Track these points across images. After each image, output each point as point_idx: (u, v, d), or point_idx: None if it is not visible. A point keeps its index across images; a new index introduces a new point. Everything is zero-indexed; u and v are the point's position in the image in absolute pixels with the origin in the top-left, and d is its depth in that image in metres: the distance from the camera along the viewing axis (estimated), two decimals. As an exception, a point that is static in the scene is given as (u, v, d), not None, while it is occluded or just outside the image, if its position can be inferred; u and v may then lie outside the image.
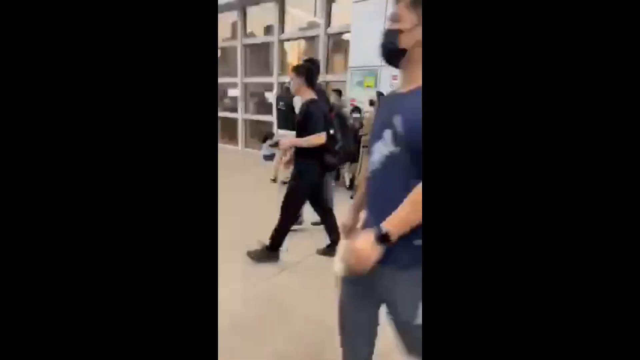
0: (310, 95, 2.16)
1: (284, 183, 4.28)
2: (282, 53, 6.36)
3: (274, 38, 6.30)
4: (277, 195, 3.75)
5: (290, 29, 6.21)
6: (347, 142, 2.34)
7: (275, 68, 6.32)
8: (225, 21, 7.22)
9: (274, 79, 6.37)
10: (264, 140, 2.66)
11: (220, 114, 7.62)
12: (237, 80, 7.03)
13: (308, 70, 2.14)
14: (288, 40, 6.24)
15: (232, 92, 7.87)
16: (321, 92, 2.46)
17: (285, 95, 4.10)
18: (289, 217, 2.32)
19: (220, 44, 7.55)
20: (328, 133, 2.14)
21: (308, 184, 2.28)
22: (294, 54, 6.40)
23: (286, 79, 5.10)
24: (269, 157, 2.91)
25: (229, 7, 6.73)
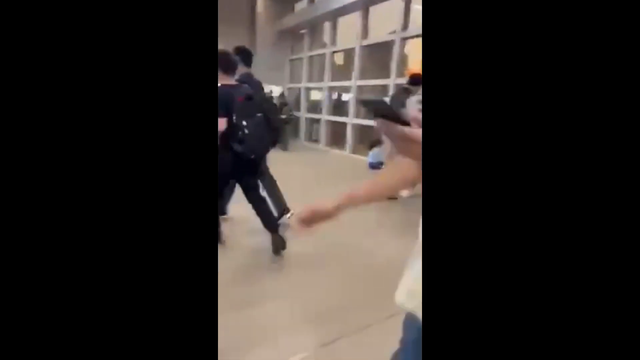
0: (224, 81, 2.25)
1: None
2: (405, 55, 5.77)
3: (396, 36, 5.76)
4: (380, 215, 3.19)
5: (414, 26, 5.60)
6: (258, 130, 2.21)
7: (395, 69, 5.76)
8: (349, 22, 7.01)
9: (390, 81, 5.81)
10: (371, 147, 2.47)
11: (330, 117, 7.47)
12: (351, 83, 6.69)
13: (224, 60, 2.29)
14: (412, 37, 5.62)
15: (345, 97, 7.64)
16: (247, 78, 2.60)
17: (397, 97, 3.50)
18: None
19: (344, 46, 7.39)
20: (230, 119, 2.16)
21: (222, 172, 2.27)
22: (418, 54, 5.75)
23: (404, 80, 4.50)
24: (376, 166, 2.63)
25: (352, 8, 6.49)
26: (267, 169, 2.83)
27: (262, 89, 2.91)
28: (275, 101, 6.16)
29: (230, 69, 2.35)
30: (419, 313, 0.59)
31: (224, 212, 2.74)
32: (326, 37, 8.02)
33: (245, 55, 2.73)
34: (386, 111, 0.45)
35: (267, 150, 2.41)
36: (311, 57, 8.25)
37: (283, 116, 6.69)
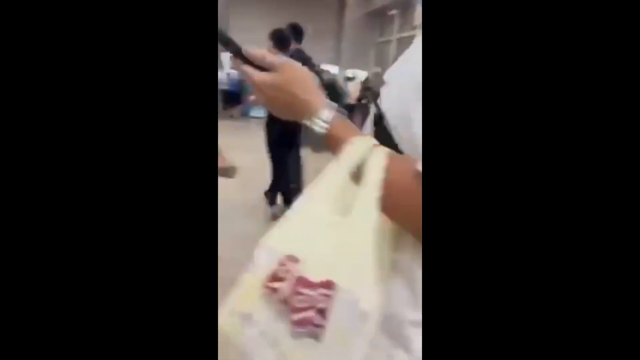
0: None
1: None
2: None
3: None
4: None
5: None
6: None
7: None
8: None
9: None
10: None
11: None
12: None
13: (275, 35, 2.60)
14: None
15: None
16: (298, 53, 2.81)
17: None
18: (272, 171, 2.94)
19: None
20: None
21: (268, 138, 2.77)
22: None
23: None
24: None
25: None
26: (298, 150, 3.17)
27: (313, 65, 3.21)
28: (358, 86, 6.04)
29: (283, 45, 2.60)
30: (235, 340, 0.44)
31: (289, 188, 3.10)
32: (418, 19, 7.55)
33: (297, 32, 2.95)
34: (237, 50, 0.44)
35: None
36: (400, 39, 7.88)
37: (364, 101, 6.54)
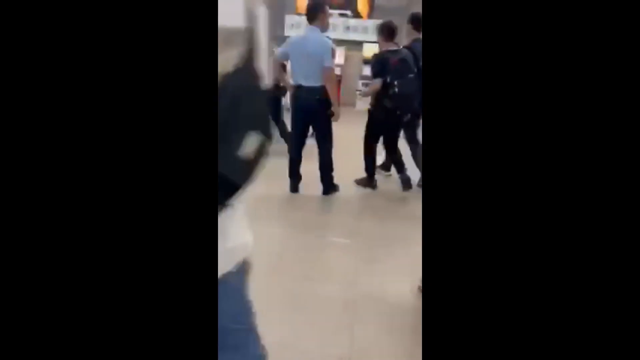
0: (384, 47, 2.86)
1: None
2: None
3: None
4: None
5: None
6: (406, 88, 2.64)
7: None
8: None
9: None
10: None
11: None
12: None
13: (385, 29, 2.87)
14: None
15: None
16: (416, 43, 2.92)
17: None
18: (365, 154, 3.05)
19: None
20: (385, 80, 2.70)
21: (372, 125, 3.00)
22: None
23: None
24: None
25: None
26: (417, 141, 3.19)
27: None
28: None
29: (389, 37, 2.86)
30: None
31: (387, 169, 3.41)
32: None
33: (417, 22, 3.11)
34: None
35: (415, 109, 2.77)
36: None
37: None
